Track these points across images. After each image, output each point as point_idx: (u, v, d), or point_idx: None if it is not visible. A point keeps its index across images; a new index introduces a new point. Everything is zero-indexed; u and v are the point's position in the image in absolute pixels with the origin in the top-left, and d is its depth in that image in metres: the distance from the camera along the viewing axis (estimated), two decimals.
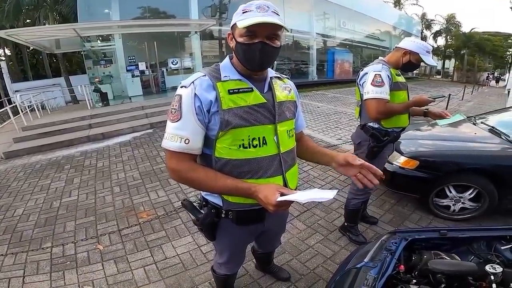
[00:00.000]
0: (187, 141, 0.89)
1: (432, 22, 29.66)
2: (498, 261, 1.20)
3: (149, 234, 2.45)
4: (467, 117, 3.66)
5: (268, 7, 0.85)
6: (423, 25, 28.84)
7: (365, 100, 1.81)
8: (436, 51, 30.62)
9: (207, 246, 2.20)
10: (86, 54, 9.28)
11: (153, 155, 4.51)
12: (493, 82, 27.43)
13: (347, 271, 1.21)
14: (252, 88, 0.92)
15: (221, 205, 1.01)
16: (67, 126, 6.25)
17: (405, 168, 2.53)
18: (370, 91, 1.75)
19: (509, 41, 26.74)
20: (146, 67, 10.13)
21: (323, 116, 7.13)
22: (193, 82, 0.90)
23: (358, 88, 1.90)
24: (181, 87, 0.91)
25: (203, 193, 1.08)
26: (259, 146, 0.92)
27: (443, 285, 1.09)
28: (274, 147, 0.95)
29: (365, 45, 19.58)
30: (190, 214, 1.09)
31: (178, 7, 11.03)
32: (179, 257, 2.13)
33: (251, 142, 0.91)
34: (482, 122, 3.15)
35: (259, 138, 0.92)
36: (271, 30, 0.86)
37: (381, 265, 1.16)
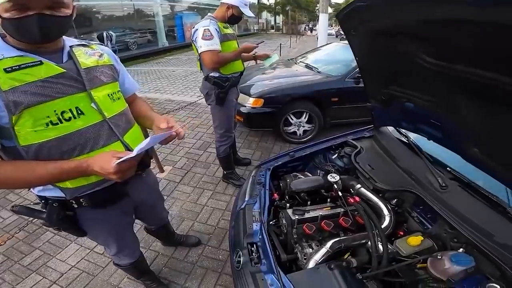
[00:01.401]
0: None
1: None
2: (333, 170, 1.44)
3: (21, 259, 1.94)
4: (291, 58, 4.63)
5: None
6: None
7: (200, 53, 1.94)
8: (268, 8, 34.94)
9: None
10: None
11: None
12: (308, 32, 34.80)
13: (236, 214, 1.30)
14: (41, 61, 0.79)
15: (64, 195, 0.90)
16: None
17: (255, 107, 3.01)
18: (202, 45, 1.88)
19: None
20: None
21: (180, 79, 7.13)
22: None
23: (194, 44, 2.00)
24: None
25: (35, 190, 0.91)
26: (74, 118, 0.83)
27: (308, 202, 1.25)
28: (96, 114, 0.88)
29: (212, 7, 19.76)
30: (33, 217, 0.93)
31: None
32: (77, 268, 1.83)
33: (61, 117, 0.80)
34: (301, 61, 4.09)
35: (70, 110, 0.82)
36: None
37: (259, 199, 1.27)
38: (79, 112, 0.83)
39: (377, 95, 1.45)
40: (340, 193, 1.24)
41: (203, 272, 1.74)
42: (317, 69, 3.56)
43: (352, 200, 1.20)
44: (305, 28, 35.01)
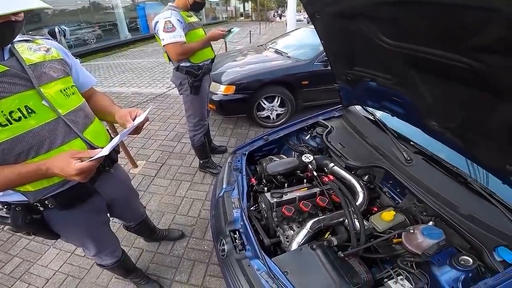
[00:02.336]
0: None
1: None
2: (307, 150, 1.45)
3: (1, 267, 1.85)
4: (261, 45, 4.61)
5: None
6: None
7: (163, 46, 1.88)
8: None
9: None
10: None
11: None
12: (278, 18, 34.58)
13: (216, 202, 1.29)
14: None
15: (26, 199, 0.86)
16: None
17: (227, 94, 3.00)
18: (165, 38, 1.82)
19: None
20: None
21: (146, 71, 6.83)
22: None
23: (157, 36, 1.93)
24: None
25: None
26: (25, 117, 0.78)
27: (286, 184, 1.25)
28: (49, 112, 0.83)
29: None
30: None
31: None
32: (61, 272, 1.76)
33: (9, 117, 0.75)
34: (270, 47, 4.09)
35: (19, 109, 0.77)
36: None
37: (237, 185, 1.26)
38: (30, 111, 0.79)
39: (343, 76, 1.50)
40: (315, 173, 1.26)
41: (190, 264, 1.75)
42: (287, 54, 3.59)
43: (326, 179, 1.24)
44: (274, 14, 34.76)
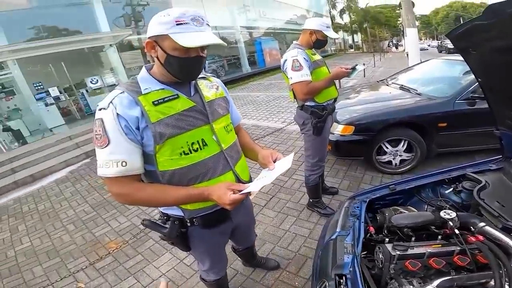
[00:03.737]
0: (124, 164, 0.84)
1: (335, 1, 32.84)
2: (448, 206, 1.30)
3: (125, 261, 2.30)
4: (380, 80, 4.28)
5: (202, 19, 0.83)
6: (330, 5, 31.74)
7: (291, 84, 1.95)
8: (344, 27, 34.22)
9: (190, 258, 2.15)
10: None
11: (99, 184, 4.08)
12: (394, 49, 32.12)
13: (325, 244, 1.26)
14: (177, 94, 0.91)
15: (183, 215, 1.00)
16: None
17: (345, 135, 2.83)
18: (293, 76, 1.89)
19: (397, 11, 31.41)
20: (60, 92, 8.85)
21: (264, 104, 7.41)
22: (111, 102, 0.84)
23: (285, 74, 2.03)
24: (100, 109, 0.85)
25: (161, 208, 1.05)
26: (200, 149, 0.92)
27: (413, 238, 1.16)
28: (216, 146, 0.96)
29: (287, 31, 20.71)
30: (155, 231, 1.06)
31: (82, 22, 9.76)
32: (166, 276, 2.05)
33: (191, 147, 0.90)
34: (393, 82, 3.71)
35: (198, 141, 0.91)
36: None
37: (352, 231, 1.22)
38: (204, 144, 0.93)
39: (508, 121, 1.26)
40: (457, 231, 1.11)
41: None
42: (416, 90, 3.14)
43: (473, 239, 1.07)
44: (388, 44, 32.49)
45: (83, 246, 2.65)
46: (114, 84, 9.61)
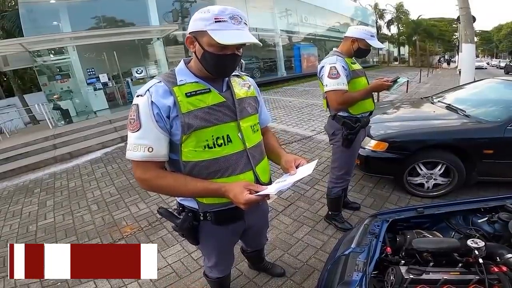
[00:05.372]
0: (150, 149, 0.88)
1: (384, 11, 31.48)
2: (478, 235, 1.24)
3: None
4: (425, 97, 3.96)
5: (240, 17, 0.84)
6: (377, 15, 30.47)
7: (325, 92, 1.88)
8: (390, 39, 32.58)
9: (198, 252, 2.17)
10: (39, 69, 8.57)
11: (128, 169, 4.32)
12: (445, 65, 29.84)
13: (337, 258, 1.23)
14: (209, 89, 0.93)
15: (197, 208, 1.01)
16: (30, 149, 5.79)
17: (376, 151, 2.66)
18: (328, 84, 1.81)
19: (454, 25, 29.14)
20: (109, 79, 9.64)
21: (295, 110, 7.31)
22: (148, 90, 0.88)
23: (320, 81, 1.96)
24: (137, 96, 0.90)
25: (179, 199, 1.07)
26: (224, 144, 0.93)
27: (431, 263, 1.11)
28: (240, 144, 0.96)
29: (328, 38, 20.32)
30: (169, 220, 1.08)
31: (136, 14, 10.63)
32: (171, 267, 2.09)
33: (215, 142, 0.91)
34: (439, 101, 3.41)
35: (223, 136, 0.92)
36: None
37: (368, 249, 1.19)
38: (228, 140, 0.93)
39: None
40: (481, 260, 1.04)
41: None
42: (464, 111, 2.85)
43: (496, 269, 1.01)
44: (439, 60, 30.20)
45: (100, 228, 2.77)
46: (156, 76, 10.19)
